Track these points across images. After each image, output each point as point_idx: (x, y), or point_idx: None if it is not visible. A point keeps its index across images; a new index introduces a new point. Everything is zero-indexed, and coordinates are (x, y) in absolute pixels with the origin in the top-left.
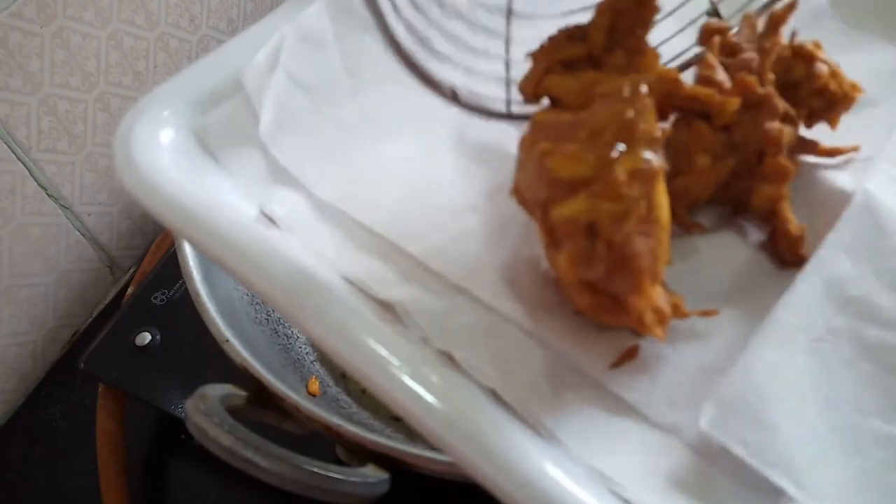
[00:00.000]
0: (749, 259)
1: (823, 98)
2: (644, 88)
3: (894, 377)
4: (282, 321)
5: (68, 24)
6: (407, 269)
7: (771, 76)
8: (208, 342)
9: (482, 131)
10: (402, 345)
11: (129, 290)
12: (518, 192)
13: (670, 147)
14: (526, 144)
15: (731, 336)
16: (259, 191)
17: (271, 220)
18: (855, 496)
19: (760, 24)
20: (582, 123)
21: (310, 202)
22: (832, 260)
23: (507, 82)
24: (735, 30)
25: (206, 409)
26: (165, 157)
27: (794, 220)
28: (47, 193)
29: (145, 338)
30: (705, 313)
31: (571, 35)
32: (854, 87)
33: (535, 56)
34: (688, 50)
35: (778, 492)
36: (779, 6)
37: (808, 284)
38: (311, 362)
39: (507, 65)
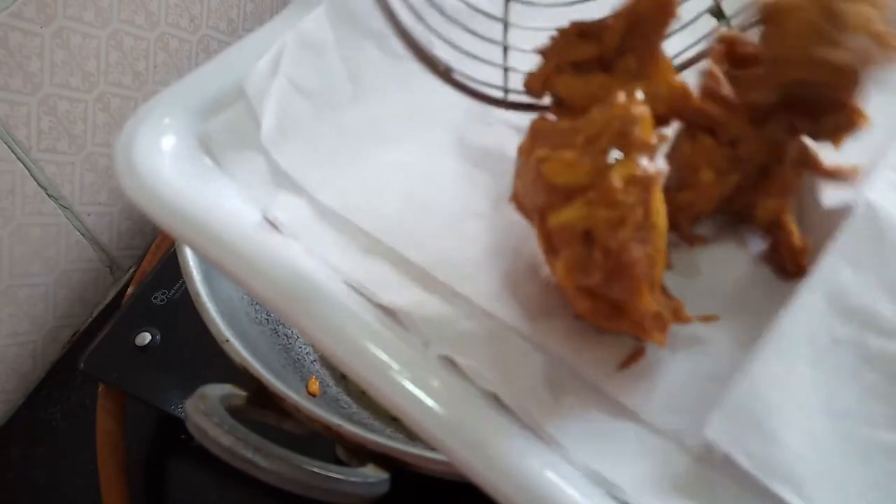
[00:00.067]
0: (750, 269)
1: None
2: (640, 95)
3: None
4: (282, 321)
5: (68, 24)
6: (409, 274)
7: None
8: (208, 342)
9: (483, 136)
10: (403, 349)
11: (129, 290)
12: (517, 199)
13: (675, 161)
14: (524, 151)
15: (731, 344)
16: (262, 196)
17: (274, 225)
18: None
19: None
20: (578, 130)
21: (312, 207)
22: (834, 270)
23: (505, 69)
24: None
25: (206, 409)
26: (167, 163)
27: (797, 231)
28: (47, 193)
29: (145, 338)
30: (706, 318)
31: (583, 33)
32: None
33: (546, 53)
34: (688, 48)
35: (780, 500)
36: None
37: (811, 295)
38: (311, 362)
39: (505, 50)
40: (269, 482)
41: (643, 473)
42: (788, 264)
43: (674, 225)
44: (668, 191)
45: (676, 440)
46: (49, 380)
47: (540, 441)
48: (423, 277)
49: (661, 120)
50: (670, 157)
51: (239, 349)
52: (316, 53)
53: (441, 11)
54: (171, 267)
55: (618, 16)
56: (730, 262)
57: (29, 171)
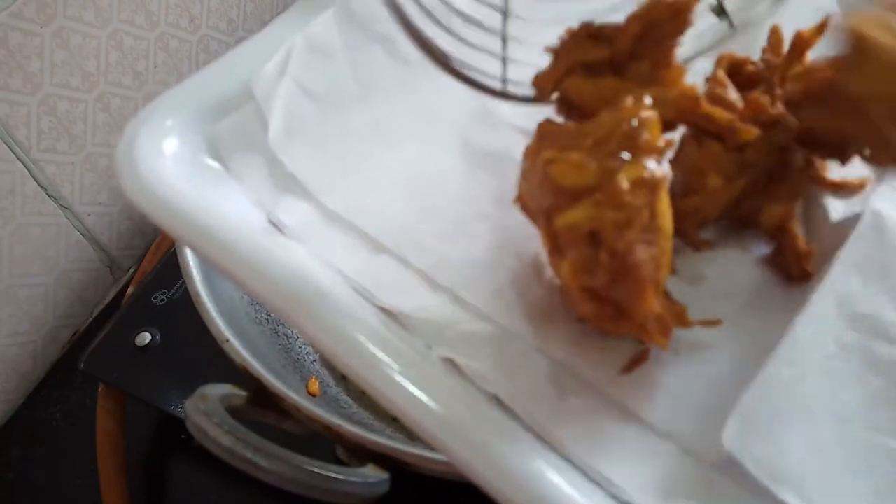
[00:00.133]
0: (753, 273)
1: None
2: (648, 100)
3: None
4: (282, 321)
5: (68, 24)
6: (412, 277)
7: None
8: (208, 342)
9: (488, 139)
10: (404, 350)
11: (129, 290)
12: (522, 201)
13: (681, 166)
14: (530, 153)
15: (734, 348)
16: (267, 198)
17: (278, 228)
18: None
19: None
20: (587, 133)
21: (317, 210)
22: (842, 278)
23: (504, 59)
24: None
25: (206, 409)
26: (168, 165)
27: (802, 236)
28: (47, 193)
29: (145, 338)
30: (708, 323)
31: (595, 35)
32: None
33: (557, 53)
34: (688, 47)
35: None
36: (807, 29)
37: (820, 302)
38: (311, 362)
39: (504, 40)
40: (269, 482)
41: (645, 475)
42: (793, 269)
43: (680, 230)
44: (674, 196)
45: (679, 442)
46: (49, 380)
47: (541, 442)
48: (425, 281)
49: (667, 125)
50: (674, 163)
51: (239, 349)
52: (324, 57)
53: (442, 1)
54: (171, 267)
55: (632, 20)
56: (734, 267)
57: (29, 171)
